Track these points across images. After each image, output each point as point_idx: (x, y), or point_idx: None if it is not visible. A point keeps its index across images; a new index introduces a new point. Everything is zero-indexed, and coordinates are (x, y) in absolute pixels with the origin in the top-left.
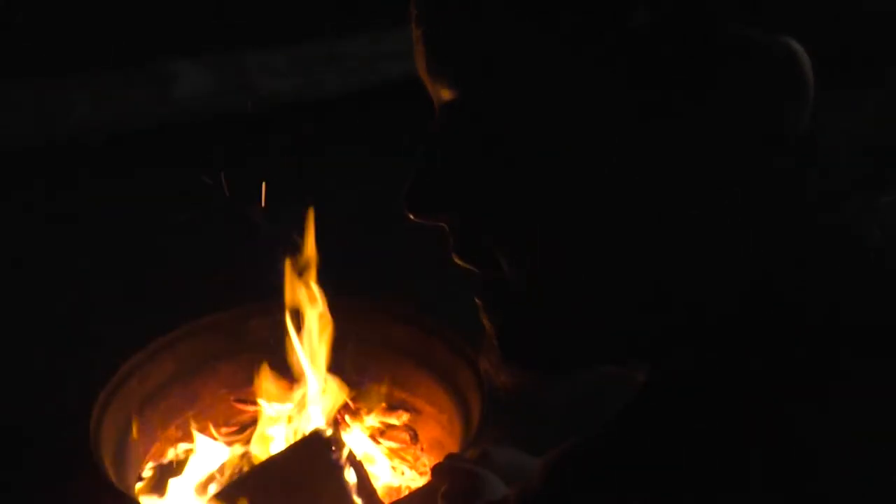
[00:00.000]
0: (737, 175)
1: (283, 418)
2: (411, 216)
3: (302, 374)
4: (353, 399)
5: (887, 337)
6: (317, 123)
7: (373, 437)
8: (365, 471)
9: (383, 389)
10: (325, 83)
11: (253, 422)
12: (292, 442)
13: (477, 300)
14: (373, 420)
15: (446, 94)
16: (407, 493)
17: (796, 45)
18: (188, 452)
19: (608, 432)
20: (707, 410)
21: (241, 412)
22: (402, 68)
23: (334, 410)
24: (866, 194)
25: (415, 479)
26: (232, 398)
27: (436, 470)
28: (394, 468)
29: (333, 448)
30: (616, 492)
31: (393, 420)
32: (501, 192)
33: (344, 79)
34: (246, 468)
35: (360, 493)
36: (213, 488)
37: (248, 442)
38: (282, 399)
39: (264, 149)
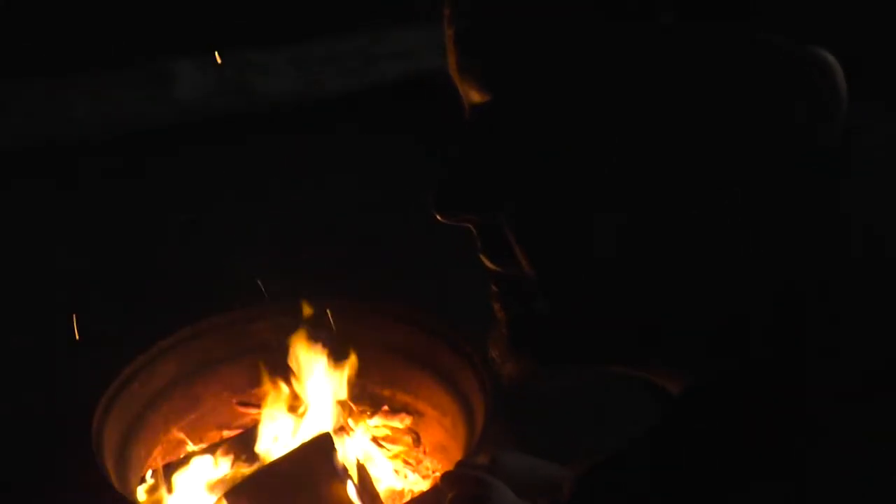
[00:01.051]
0: (738, 176)
1: (286, 421)
2: (438, 217)
3: (305, 377)
4: (356, 402)
5: None
6: (316, 123)
7: (375, 440)
8: (368, 474)
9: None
10: (325, 83)
11: (255, 424)
12: (296, 445)
13: (492, 287)
14: (375, 423)
15: (476, 96)
16: (410, 496)
17: (828, 56)
18: (191, 455)
19: (638, 449)
20: (734, 430)
21: (244, 415)
22: (402, 68)
23: (337, 414)
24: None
25: (417, 483)
26: (234, 401)
27: (445, 477)
28: (396, 471)
29: (336, 451)
30: None
31: (396, 423)
32: (527, 193)
33: (344, 79)
34: (249, 471)
35: (363, 497)
36: (218, 491)
37: (251, 445)
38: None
39: (264, 149)
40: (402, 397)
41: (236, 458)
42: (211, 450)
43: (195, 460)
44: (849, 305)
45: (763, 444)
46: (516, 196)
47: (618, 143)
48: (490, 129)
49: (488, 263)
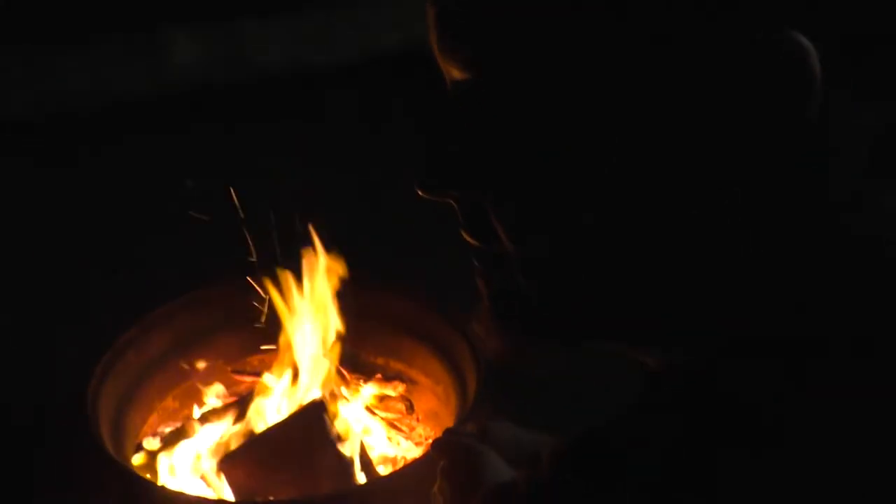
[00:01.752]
0: (737, 175)
1: (281, 389)
2: (420, 193)
3: (299, 345)
4: (349, 370)
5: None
6: (314, 95)
7: (369, 407)
8: (361, 441)
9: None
10: (322, 54)
11: (250, 392)
12: (290, 413)
13: (475, 263)
14: (369, 390)
15: (457, 74)
16: (403, 463)
17: (804, 41)
18: (186, 423)
19: (618, 424)
20: (716, 412)
21: (239, 383)
22: (400, 39)
23: (331, 381)
24: (886, 193)
25: (410, 450)
26: (229, 369)
27: (435, 445)
28: (390, 438)
29: (329, 419)
30: (621, 484)
31: (389, 391)
32: (507, 172)
33: (340, 49)
34: (244, 438)
35: (355, 463)
36: (213, 458)
37: (246, 412)
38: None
39: (259, 122)
40: (396, 365)
41: (231, 426)
42: (206, 418)
43: (190, 428)
44: (844, 304)
45: (738, 426)
46: (497, 175)
47: (618, 142)
48: (471, 107)
49: (470, 240)
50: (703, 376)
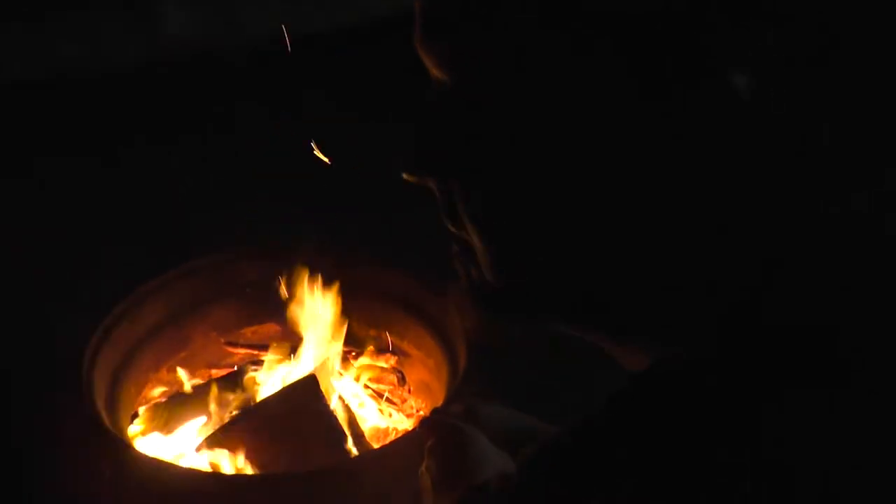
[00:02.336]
0: (721, 163)
1: (275, 362)
2: (403, 175)
3: (295, 320)
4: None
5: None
6: (307, 62)
7: (361, 380)
8: (353, 413)
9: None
10: (313, 21)
11: (244, 364)
12: (283, 386)
13: (453, 247)
14: (361, 363)
15: (436, 70)
16: (394, 435)
17: (740, 82)
18: (180, 394)
19: (593, 422)
20: (695, 409)
21: (232, 354)
22: (392, 6)
23: (325, 355)
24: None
25: (402, 422)
26: (222, 340)
27: (423, 424)
28: (381, 410)
29: (321, 392)
30: (596, 483)
31: (381, 363)
32: (474, 165)
33: (332, 16)
34: (238, 411)
35: (347, 436)
36: (206, 430)
37: (239, 385)
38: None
39: (254, 89)
40: (388, 338)
41: (225, 398)
42: (200, 389)
43: (185, 399)
44: (850, 300)
45: (721, 423)
46: (464, 167)
47: (571, 134)
48: (446, 102)
49: (448, 224)
50: (694, 375)
